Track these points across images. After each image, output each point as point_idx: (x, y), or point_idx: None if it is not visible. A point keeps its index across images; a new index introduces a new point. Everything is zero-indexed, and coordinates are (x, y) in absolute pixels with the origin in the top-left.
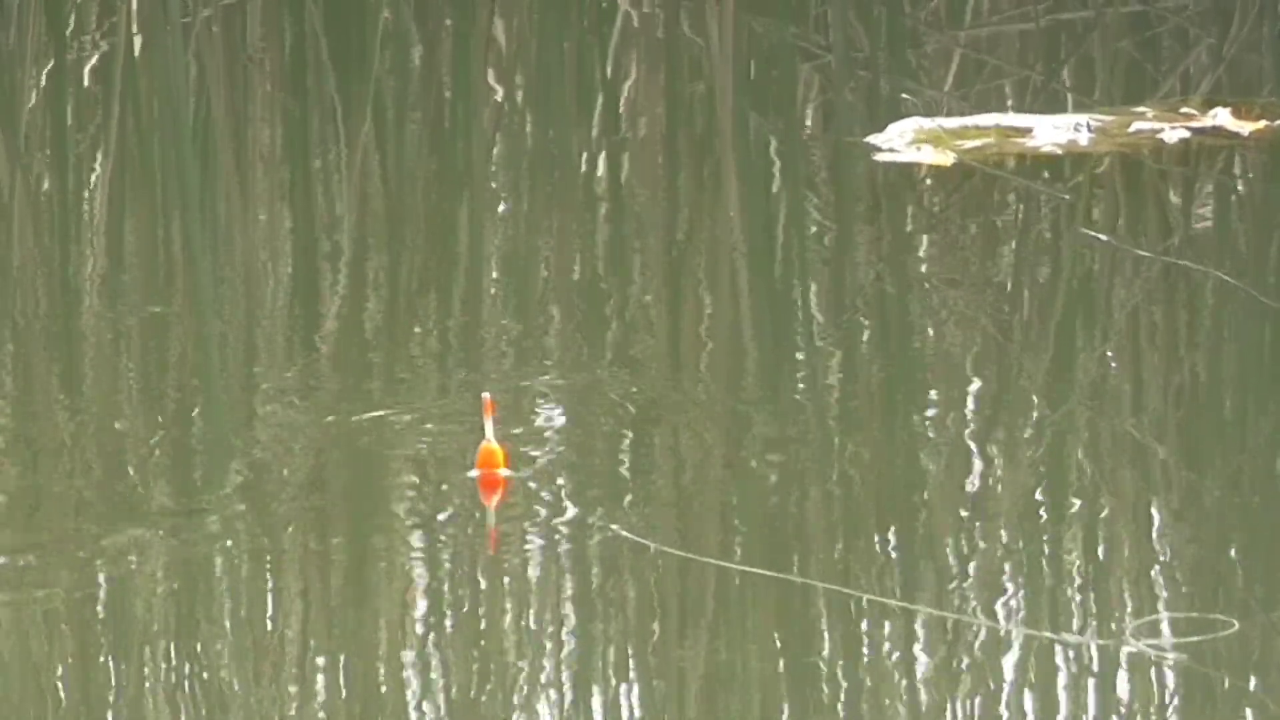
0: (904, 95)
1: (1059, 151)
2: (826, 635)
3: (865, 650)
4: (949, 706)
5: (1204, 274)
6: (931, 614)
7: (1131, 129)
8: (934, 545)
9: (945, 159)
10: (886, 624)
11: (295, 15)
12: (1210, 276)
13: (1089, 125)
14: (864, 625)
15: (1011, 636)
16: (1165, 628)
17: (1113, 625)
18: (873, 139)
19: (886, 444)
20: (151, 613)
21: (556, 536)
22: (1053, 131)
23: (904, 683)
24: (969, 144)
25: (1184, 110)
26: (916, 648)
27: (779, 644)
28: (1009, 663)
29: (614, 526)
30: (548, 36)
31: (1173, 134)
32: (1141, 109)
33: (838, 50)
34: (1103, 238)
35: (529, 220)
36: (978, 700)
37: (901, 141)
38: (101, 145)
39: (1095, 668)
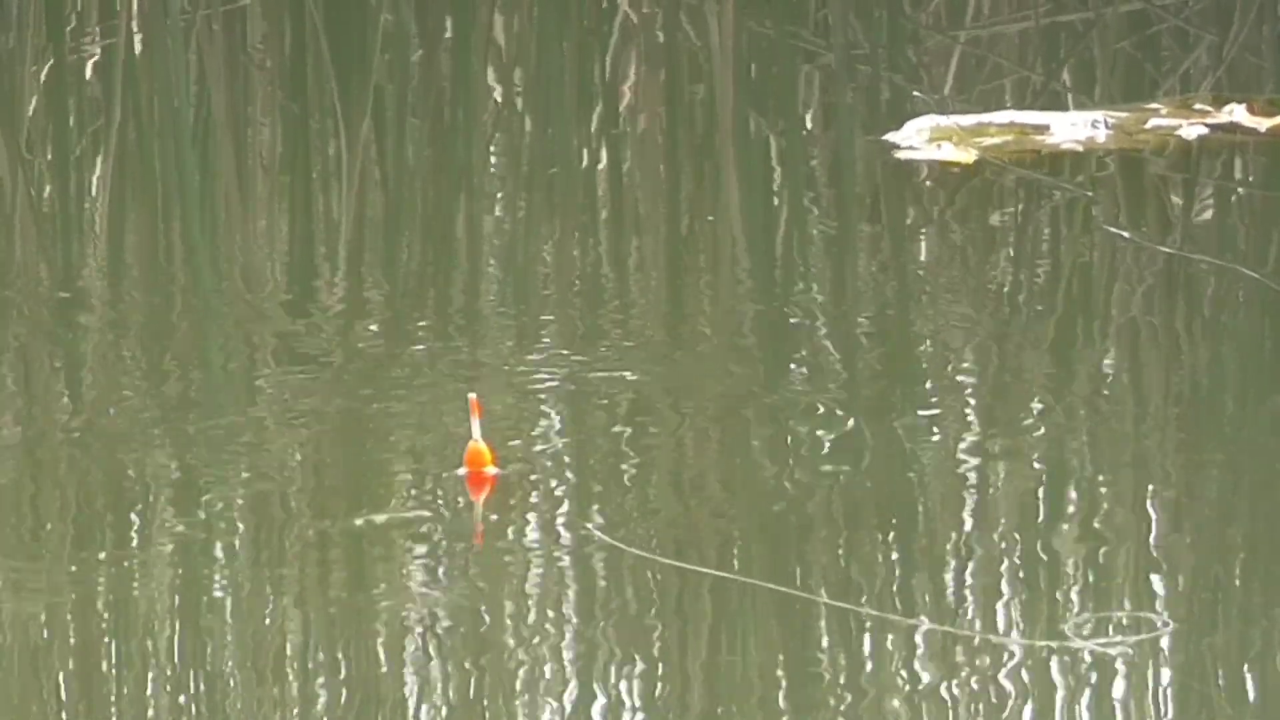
0: (915, 94)
1: (1079, 148)
2: (785, 636)
3: (835, 653)
4: (923, 709)
5: (1230, 270)
6: (908, 622)
7: (1148, 125)
8: (932, 552)
9: (967, 156)
10: (856, 628)
11: (295, 15)
12: (1239, 273)
13: (1106, 122)
14: (830, 627)
15: (978, 641)
16: (1164, 629)
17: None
18: (890, 137)
19: (890, 445)
20: (146, 611)
21: (543, 535)
22: (1070, 129)
23: (880, 688)
24: (987, 141)
25: (1197, 107)
26: (899, 655)
27: (764, 642)
28: (969, 666)
29: (589, 526)
30: (548, 36)
31: (1190, 130)
32: (1155, 105)
33: (838, 49)
34: (1125, 234)
35: (528, 220)
36: (938, 703)
37: (920, 139)
38: (102, 145)
39: (1090, 671)
